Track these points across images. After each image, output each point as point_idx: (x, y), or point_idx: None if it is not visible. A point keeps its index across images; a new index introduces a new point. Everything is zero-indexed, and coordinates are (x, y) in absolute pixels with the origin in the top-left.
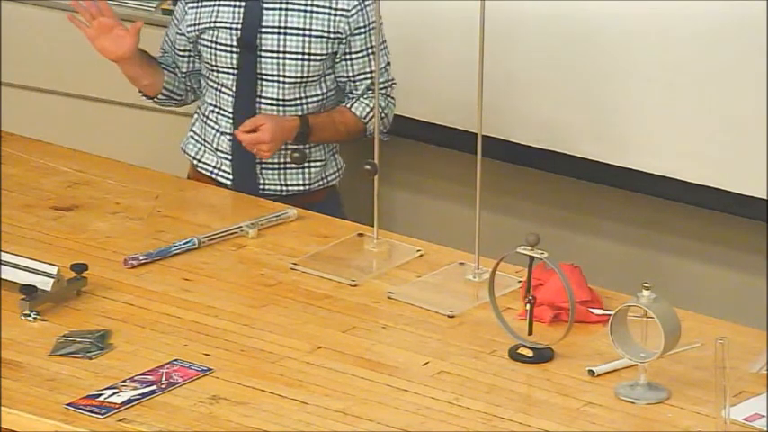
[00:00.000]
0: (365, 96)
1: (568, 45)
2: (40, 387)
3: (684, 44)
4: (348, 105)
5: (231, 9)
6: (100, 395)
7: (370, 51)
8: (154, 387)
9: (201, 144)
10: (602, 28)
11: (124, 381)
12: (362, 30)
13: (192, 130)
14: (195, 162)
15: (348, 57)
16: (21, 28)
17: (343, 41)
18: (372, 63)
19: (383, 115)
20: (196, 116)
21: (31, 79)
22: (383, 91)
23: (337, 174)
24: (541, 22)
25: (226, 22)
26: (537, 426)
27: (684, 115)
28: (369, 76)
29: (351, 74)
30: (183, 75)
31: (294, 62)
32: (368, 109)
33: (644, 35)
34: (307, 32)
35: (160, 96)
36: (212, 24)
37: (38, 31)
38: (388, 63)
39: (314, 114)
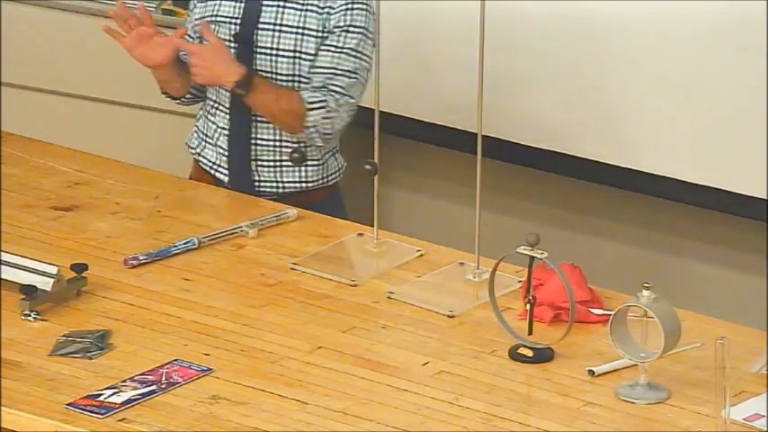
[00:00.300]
0: (320, 91)
1: (568, 45)
2: (40, 387)
3: (685, 44)
4: (299, 89)
5: (232, 4)
6: (100, 395)
7: (342, 50)
8: (154, 387)
9: (203, 139)
10: (603, 28)
11: (124, 381)
12: (341, 28)
13: (196, 125)
14: (196, 156)
15: (319, 50)
16: (21, 28)
17: (324, 37)
18: (338, 62)
19: (328, 116)
20: (201, 112)
21: (31, 79)
22: (324, 89)
23: (338, 173)
24: (541, 22)
25: (226, 17)
26: (537, 426)
27: (684, 115)
28: (328, 71)
29: (313, 64)
30: None
31: (287, 59)
32: (315, 98)
33: (644, 35)
34: (300, 30)
35: (187, 96)
36: (214, 19)
37: (38, 31)
38: (354, 72)
39: (261, 77)
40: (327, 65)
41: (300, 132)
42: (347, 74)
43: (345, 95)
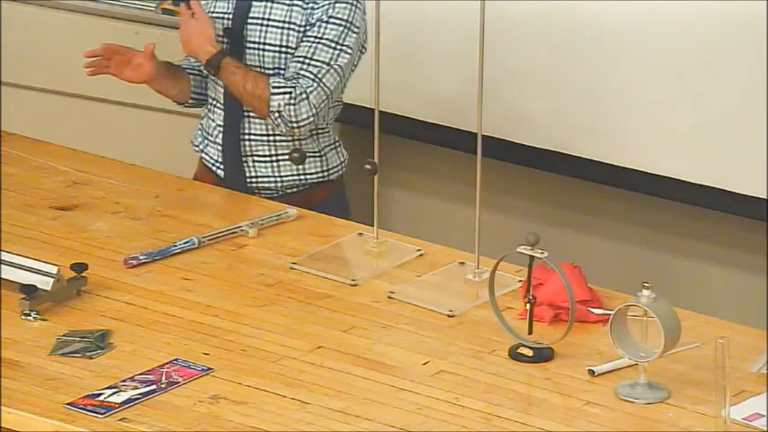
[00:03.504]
0: (290, 80)
1: (569, 44)
2: (40, 387)
3: (685, 44)
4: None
5: (226, 1)
6: (100, 395)
7: (319, 41)
8: (154, 387)
9: (205, 137)
10: (603, 27)
11: (124, 380)
12: (322, 21)
13: (200, 123)
14: (201, 154)
15: (300, 41)
16: (21, 28)
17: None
18: (314, 52)
19: (290, 103)
20: (205, 110)
21: (31, 79)
22: (302, 78)
23: (340, 167)
24: (541, 21)
25: (220, 13)
26: (537, 426)
27: (684, 115)
28: (302, 60)
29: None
30: None
31: (272, 53)
32: (280, 85)
33: (644, 35)
34: (286, 25)
35: (190, 101)
36: (209, 15)
37: (38, 31)
38: (328, 63)
39: (233, 59)
40: (302, 54)
41: (267, 117)
42: (321, 64)
43: (315, 82)
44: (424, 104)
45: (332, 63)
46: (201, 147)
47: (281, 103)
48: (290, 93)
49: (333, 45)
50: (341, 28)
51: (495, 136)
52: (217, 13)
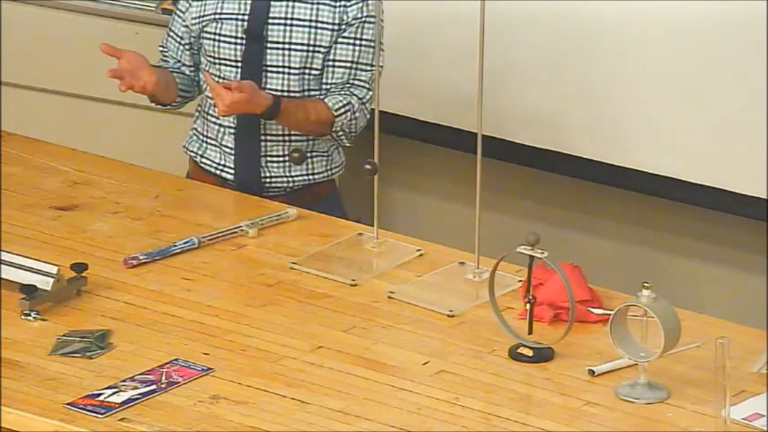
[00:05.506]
0: (342, 90)
1: (569, 44)
2: (40, 387)
3: (685, 44)
4: (322, 97)
5: (237, 1)
6: (100, 395)
7: (358, 43)
8: (154, 387)
9: (204, 141)
10: (604, 27)
11: (124, 380)
12: (360, 20)
13: (193, 128)
14: (198, 159)
15: (335, 42)
16: (21, 28)
17: (340, 30)
18: (358, 55)
19: (353, 117)
20: (197, 113)
21: (31, 79)
22: (346, 86)
23: (340, 167)
24: (542, 21)
25: (231, 14)
26: (537, 426)
27: (685, 115)
28: (350, 65)
29: (331, 57)
30: (192, 69)
31: (300, 53)
32: (340, 104)
33: (644, 34)
34: (313, 24)
35: (177, 100)
36: (216, 16)
37: (38, 31)
38: (373, 64)
39: (287, 98)
40: (349, 58)
41: (327, 135)
42: (368, 66)
43: (369, 90)
44: (424, 104)
45: (374, 63)
46: (200, 151)
47: (345, 121)
48: (350, 109)
49: (372, 44)
50: (374, 25)
51: (495, 136)
52: (226, 13)
